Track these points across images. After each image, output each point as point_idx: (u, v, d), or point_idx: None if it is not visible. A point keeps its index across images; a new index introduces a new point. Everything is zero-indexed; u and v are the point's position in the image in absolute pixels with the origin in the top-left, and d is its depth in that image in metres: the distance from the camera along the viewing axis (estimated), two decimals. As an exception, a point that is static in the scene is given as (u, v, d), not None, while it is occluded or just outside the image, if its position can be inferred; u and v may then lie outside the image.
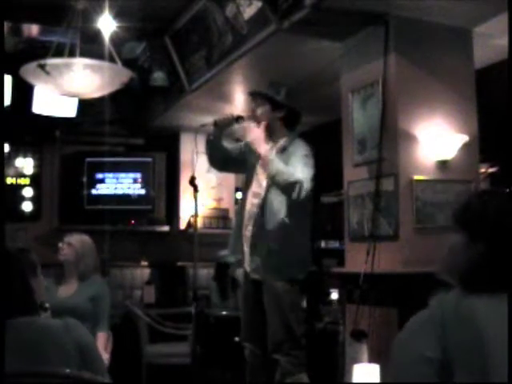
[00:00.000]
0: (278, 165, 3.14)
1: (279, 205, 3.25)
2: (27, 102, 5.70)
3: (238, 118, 3.40)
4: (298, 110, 3.43)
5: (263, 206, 3.27)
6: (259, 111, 3.36)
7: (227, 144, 3.56)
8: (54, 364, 1.66)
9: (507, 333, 1.16)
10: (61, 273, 3.53)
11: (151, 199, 6.61)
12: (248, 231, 3.33)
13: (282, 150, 3.31)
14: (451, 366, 1.16)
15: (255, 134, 3.24)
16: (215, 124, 3.39)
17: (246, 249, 3.35)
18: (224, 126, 3.42)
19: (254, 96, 3.44)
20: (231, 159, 3.55)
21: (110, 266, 6.10)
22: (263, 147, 3.20)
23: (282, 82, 3.51)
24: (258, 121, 3.37)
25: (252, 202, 3.36)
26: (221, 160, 3.52)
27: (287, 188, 3.11)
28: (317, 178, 3.30)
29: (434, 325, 1.20)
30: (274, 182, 3.16)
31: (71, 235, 3.59)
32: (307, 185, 3.14)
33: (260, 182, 3.35)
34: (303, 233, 3.36)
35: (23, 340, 1.70)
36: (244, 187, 3.52)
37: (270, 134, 3.40)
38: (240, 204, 3.53)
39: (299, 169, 3.16)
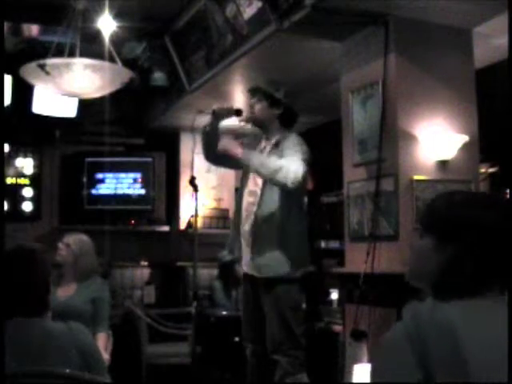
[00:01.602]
0: (258, 158, 3.14)
1: (275, 203, 3.25)
2: (27, 101, 5.71)
3: (238, 111, 3.38)
4: (295, 110, 3.43)
5: (259, 205, 3.27)
6: (257, 107, 3.36)
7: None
8: (55, 366, 1.66)
9: (487, 339, 1.11)
10: (59, 273, 3.52)
11: (151, 199, 6.61)
12: (245, 230, 3.33)
13: (276, 146, 3.32)
14: (432, 381, 1.09)
15: (224, 142, 3.23)
16: (213, 112, 3.37)
17: (244, 247, 3.35)
18: (222, 115, 3.39)
19: (253, 92, 3.44)
20: (227, 154, 3.53)
21: (111, 266, 6.11)
22: (237, 149, 3.17)
23: (281, 81, 3.51)
24: (255, 117, 3.37)
25: (248, 201, 3.35)
26: (216, 154, 3.50)
27: (274, 176, 3.04)
28: (317, 178, 3.30)
29: (411, 342, 1.11)
30: (260, 175, 3.15)
31: (69, 236, 3.58)
32: (297, 167, 3.04)
33: (256, 181, 3.35)
34: (300, 230, 3.35)
35: (28, 340, 1.70)
36: (241, 185, 3.51)
37: (266, 131, 3.41)
38: (237, 203, 3.52)
39: (288, 157, 3.12)
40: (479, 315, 1.14)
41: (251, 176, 3.40)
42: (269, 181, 3.14)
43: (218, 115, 3.37)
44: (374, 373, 1.18)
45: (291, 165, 3.04)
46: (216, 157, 3.53)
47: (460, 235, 1.19)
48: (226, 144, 3.22)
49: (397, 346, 1.13)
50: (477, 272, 1.17)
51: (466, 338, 1.09)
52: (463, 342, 1.08)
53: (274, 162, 3.10)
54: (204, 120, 3.41)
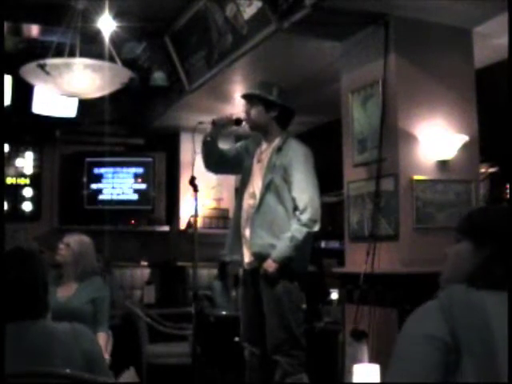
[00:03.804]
0: (286, 252, 3.17)
1: (275, 205, 3.25)
2: (27, 101, 5.71)
3: (237, 120, 3.39)
4: (291, 108, 3.43)
5: (259, 207, 3.27)
6: (253, 112, 3.36)
7: (222, 145, 3.55)
8: (59, 366, 1.66)
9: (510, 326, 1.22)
10: (59, 273, 3.52)
11: (151, 199, 6.61)
12: (246, 232, 3.33)
13: (278, 151, 3.32)
14: (459, 351, 1.20)
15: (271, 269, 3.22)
16: (213, 123, 3.38)
17: (245, 249, 3.35)
18: (222, 126, 3.41)
19: (247, 98, 3.44)
20: (227, 161, 3.53)
21: (111, 265, 6.11)
22: (272, 268, 3.19)
23: (272, 81, 3.51)
24: (253, 122, 3.38)
25: (248, 203, 3.35)
26: (216, 162, 3.50)
27: (299, 240, 3.16)
28: (317, 178, 3.31)
29: (442, 310, 1.25)
30: (301, 244, 3.20)
31: (70, 236, 3.58)
32: (313, 202, 3.19)
33: (256, 183, 3.35)
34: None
35: (33, 342, 1.69)
36: (240, 188, 3.51)
37: (265, 134, 3.41)
38: (237, 205, 3.52)
39: (298, 191, 3.21)
40: (506, 303, 1.27)
41: (251, 178, 3.40)
42: (307, 238, 3.22)
43: (218, 125, 3.38)
44: (403, 329, 1.31)
45: (309, 204, 3.17)
46: (216, 165, 3.54)
47: (495, 239, 1.38)
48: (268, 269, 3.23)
49: (428, 311, 1.28)
50: (507, 270, 1.34)
51: (493, 318, 1.22)
52: (491, 320, 1.22)
53: (287, 240, 3.17)
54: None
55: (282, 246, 3.17)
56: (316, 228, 3.20)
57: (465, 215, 1.50)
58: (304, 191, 3.21)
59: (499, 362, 1.18)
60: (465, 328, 1.22)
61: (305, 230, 3.16)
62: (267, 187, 3.26)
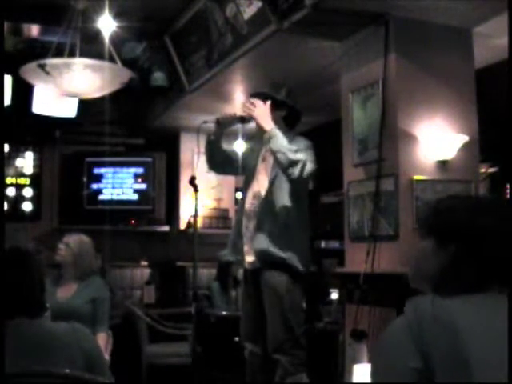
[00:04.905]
0: (282, 141, 3.13)
1: (280, 205, 3.25)
2: (27, 101, 5.71)
3: (242, 118, 3.38)
4: (298, 109, 3.43)
5: (263, 206, 3.27)
6: None
7: (226, 146, 3.54)
8: (59, 366, 1.66)
9: (486, 334, 1.14)
10: (59, 274, 3.53)
11: (151, 199, 6.61)
12: (248, 231, 3.33)
13: None
14: (432, 375, 1.13)
15: (261, 110, 3.21)
16: (217, 122, 3.37)
17: (247, 249, 3.35)
18: (226, 124, 3.40)
19: (256, 97, 3.43)
20: (230, 161, 3.52)
21: (108, 265, 6.11)
22: (268, 123, 3.17)
23: (282, 82, 3.51)
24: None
25: (252, 202, 3.35)
26: (221, 162, 3.50)
27: (289, 166, 3.09)
28: (317, 178, 3.30)
29: (411, 333, 1.16)
30: (276, 158, 3.14)
31: (70, 236, 3.58)
32: (309, 166, 3.15)
33: (261, 182, 3.35)
34: (303, 233, 3.36)
35: (30, 341, 1.69)
36: (244, 187, 3.51)
37: None
38: (240, 204, 3.52)
39: (302, 152, 3.18)
40: (478, 310, 1.18)
41: (256, 177, 3.40)
42: (281, 166, 3.15)
43: (223, 124, 3.36)
44: (374, 360, 1.24)
45: (307, 163, 3.12)
46: (220, 166, 3.53)
47: (459, 237, 1.24)
48: (261, 112, 3.19)
49: (397, 334, 1.18)
50: (475, 271, 1.22)
51: (465, 331, 1.12)
52: (462, 334, 1.12)
53: (294, 153, 3.12)
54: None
55: (284, 143, 3.13)
56: (296, 172, 3.11)
57: (428, 207, 1.37)
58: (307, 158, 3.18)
59: (475, 376, 1.09)
60: (434, 347, 1.13)
61: (296, 168, 3.10)
62: (272, 182, 3.27)
